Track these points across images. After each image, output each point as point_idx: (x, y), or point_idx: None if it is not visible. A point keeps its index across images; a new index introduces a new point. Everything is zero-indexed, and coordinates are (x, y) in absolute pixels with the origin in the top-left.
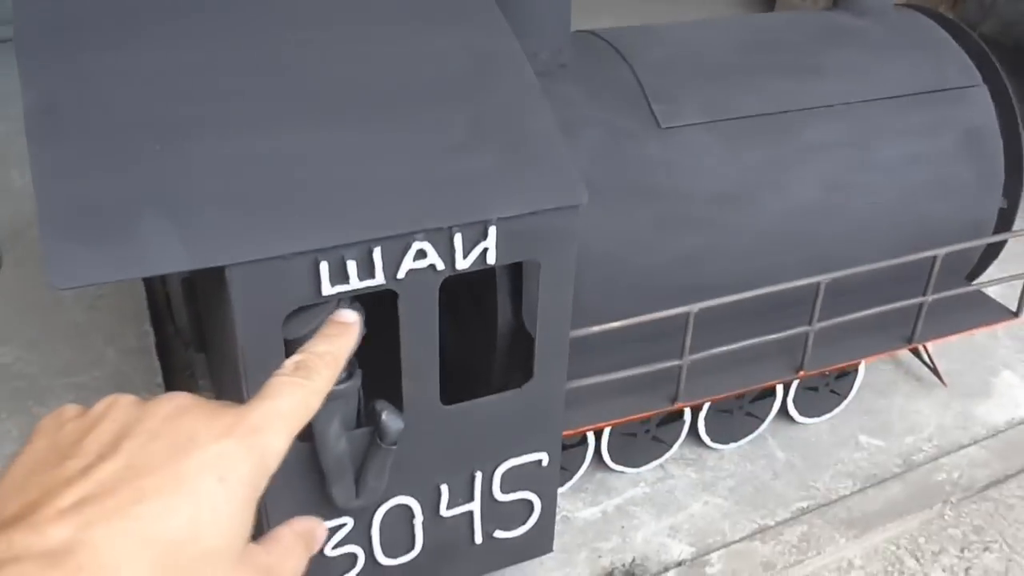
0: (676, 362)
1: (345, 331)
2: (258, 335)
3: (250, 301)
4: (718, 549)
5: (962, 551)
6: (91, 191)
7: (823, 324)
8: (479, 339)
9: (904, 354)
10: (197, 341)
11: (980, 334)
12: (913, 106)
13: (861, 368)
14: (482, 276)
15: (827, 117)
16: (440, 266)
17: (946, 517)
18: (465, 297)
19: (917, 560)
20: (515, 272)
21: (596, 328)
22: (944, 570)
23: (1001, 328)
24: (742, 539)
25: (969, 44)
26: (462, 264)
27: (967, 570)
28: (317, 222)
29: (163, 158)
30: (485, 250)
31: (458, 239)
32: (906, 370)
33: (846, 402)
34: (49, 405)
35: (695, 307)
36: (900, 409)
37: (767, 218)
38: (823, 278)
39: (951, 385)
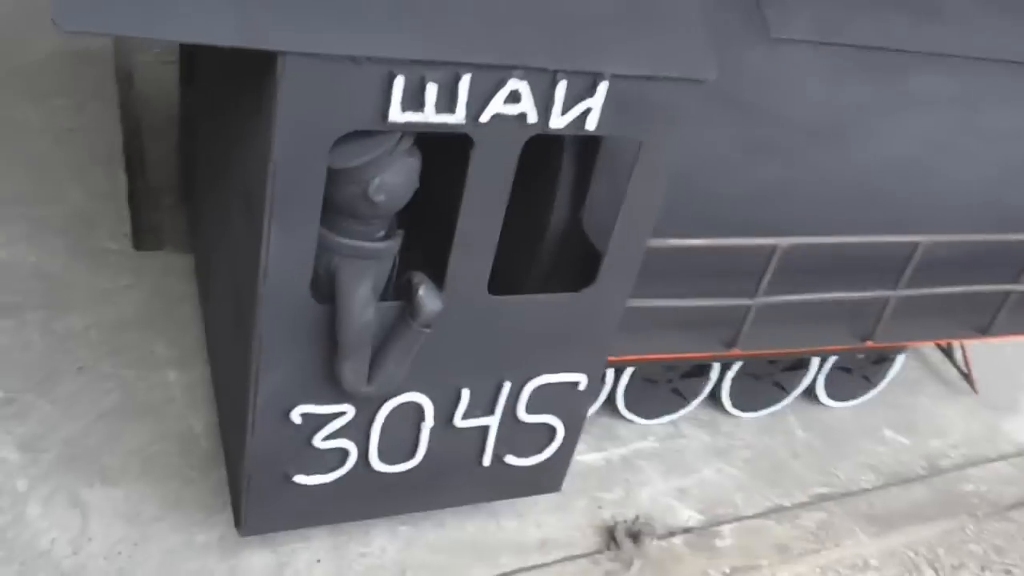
0: (747, 301)
1: None
2: (298, 156)
3: (299, 109)
4: (730, 522)
5: (982, 569)
6: None
7: (908, 292)
8: (520, 235)
9: (933, 354)
10: (184, 189)
11: (1010, 347)
12: None
13: (900, 358)
14: (537, 165)
15: (938, 66)
16: (532, 118)
17: (968, 531)
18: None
19: (936, 571)
20: (580, 167)
21: (675, 241)
22: None
23: None
24: (756, 515)
25: None
26: (557, 122)
27: None
28: (402, 28)
29: None
30: (587, 111)
31: (561, 88)
32: (933, 371)
33: (876, 391)
34: None
35: (783, 241)
36: (926, 410)
37: (858, 165)
38: (923, 238)
39: (977, 395)
